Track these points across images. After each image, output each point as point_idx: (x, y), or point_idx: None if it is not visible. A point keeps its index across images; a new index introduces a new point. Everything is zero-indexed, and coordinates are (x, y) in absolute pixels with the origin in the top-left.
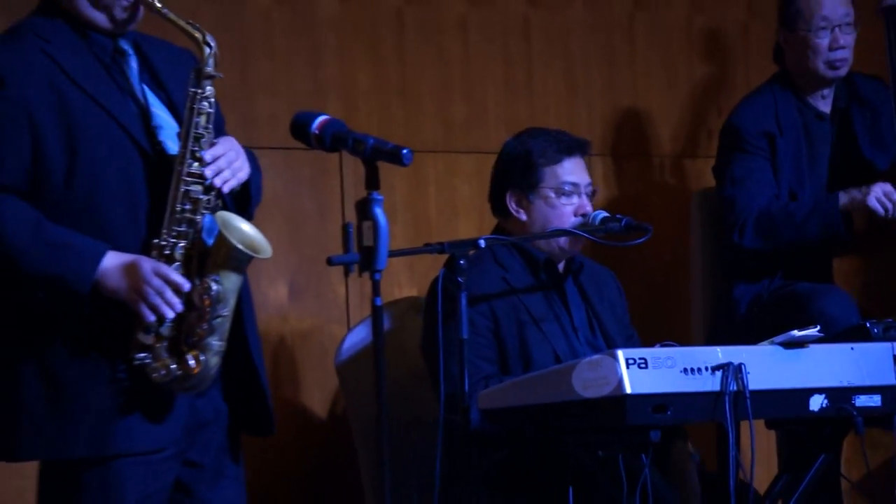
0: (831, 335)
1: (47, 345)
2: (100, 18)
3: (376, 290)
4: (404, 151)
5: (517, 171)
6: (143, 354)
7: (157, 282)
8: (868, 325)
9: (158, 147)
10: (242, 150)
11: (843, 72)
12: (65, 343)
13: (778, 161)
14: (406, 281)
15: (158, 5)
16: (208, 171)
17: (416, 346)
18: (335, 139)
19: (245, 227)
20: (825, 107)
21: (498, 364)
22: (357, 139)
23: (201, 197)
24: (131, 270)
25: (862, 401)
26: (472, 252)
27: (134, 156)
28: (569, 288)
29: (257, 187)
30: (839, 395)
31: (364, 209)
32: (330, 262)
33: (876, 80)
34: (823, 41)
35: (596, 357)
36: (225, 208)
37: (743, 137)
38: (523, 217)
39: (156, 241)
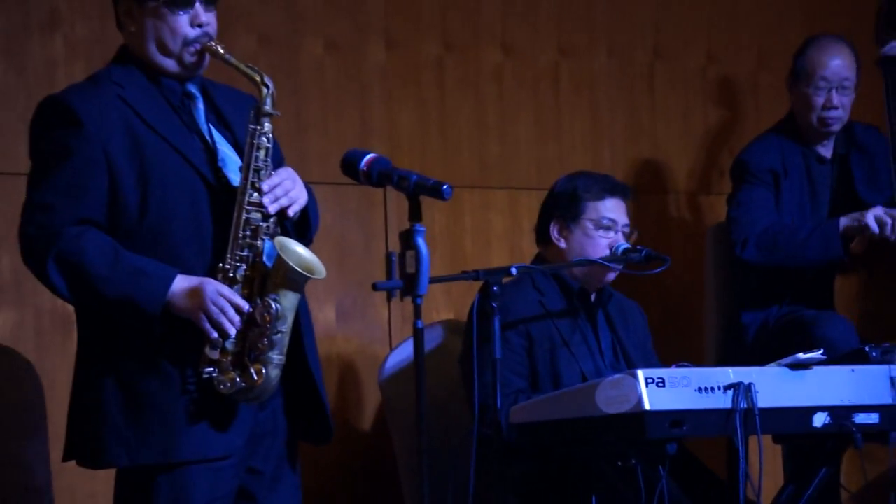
0: (833, 358)
1: (125, 361)
2: (170, 65)
3: (418, 314)
4: (444, 187)
5: (563, 202)
6: (210, 368)
7: (221, 302)
8: (867, 349)
9: (223, 180)
10: (299, 179)
11: (835, 128)
12: (141, 359)
13: (781, 199)
14: (444, 305)
15: (221, 51)
16: (266, 199)
17: (452, 364)
18: (381, 175)
19: (301, 250)
20: (826, 152)
21: (529, 380)
22: (401, 175)
23: (261, 224)
24: (197, 292)
25: (861, 418)
26: (505, 279)
27: (200, 188)
28: (598, 316)
29: (315, 215)
30: (840, 413)
31: (407, 239)
32: (375, 287)
33: (872, 128)
34: (819, 99)
35: (618, 376)
36: (285, 234)
37: (750, 170)
38: (563, 245)
39: (220, 264)
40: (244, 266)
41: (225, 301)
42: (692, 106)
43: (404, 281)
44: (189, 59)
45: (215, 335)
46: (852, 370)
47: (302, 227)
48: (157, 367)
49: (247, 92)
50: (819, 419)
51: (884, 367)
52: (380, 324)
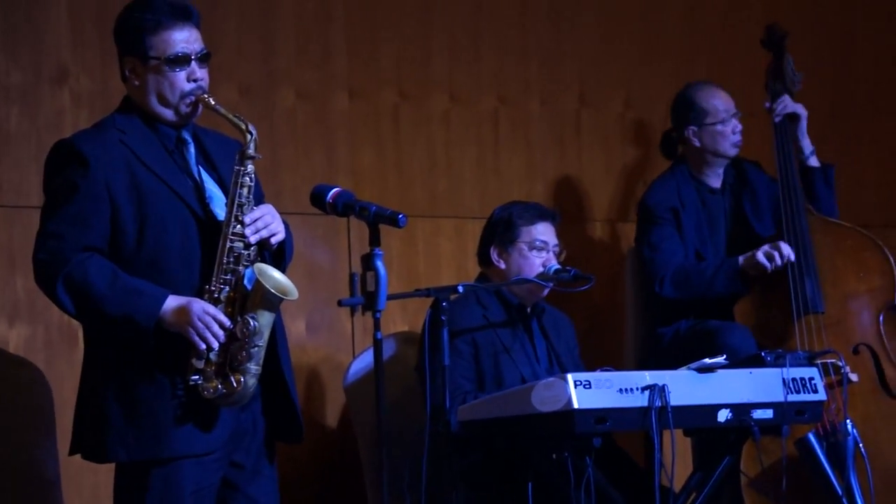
0: (734, 362)
1: (124, 371)
2: (167, 114)
3: (377, 326)
4: (400, 216)
5: (501, 229)
6: (196, 376)
7: (206, 318)
8: (763, 354)
9: (210, 215)
10: (278, 214)
11: (738, 148)
12: (137, 369)
13: (683, 229)
14: (400, 319)
15: (213, 103)
16: (248, 231)
17: (408, 370)
18: (345, 206)
19: (277, 275)
20: (716, 182)
21: (475, 382)
22: (363, 206)
23: (243, 252)
24: (186, 310)
25: (758, 414)
26: (454, 296)
27: (190, 222)
28: (534, 326)
29: (290, 246)
30: (740, 410)
31: (368, 262)
32: (340, 303)
33: (756, 165)
34: (728, 128)
35: (551, 379)
36: (264, 260)
37: (653, 212)
38: (502, 266)
39: (207, 286)
40: (227, 288)
41: (210, 318)
42: (612, 146)
43: (365, 298)
44: (184, 109)
45: (202, 347)
46: (750, 373)
47: (278, 256)
48: (150, 376)
49: (232, 137)
50: (722, 415)
51: (777, 370)
52: (344, 335)
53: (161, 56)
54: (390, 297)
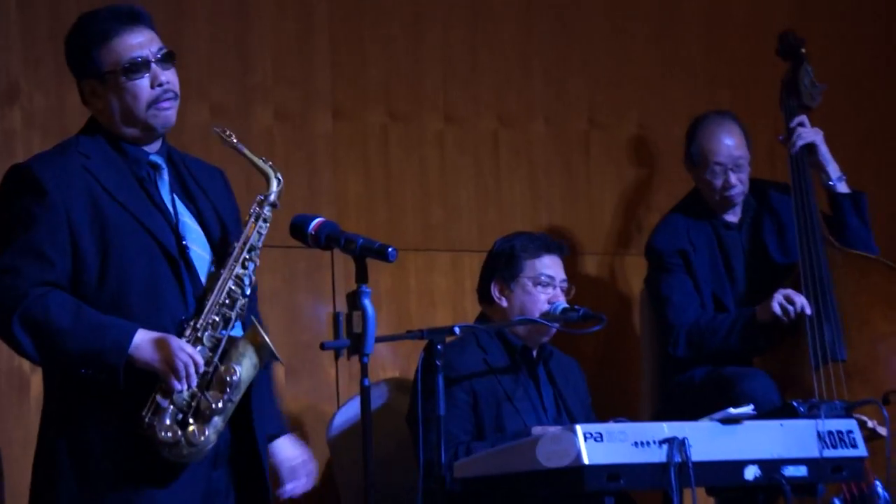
0: (763, 413)
1: (81, 422)
2: (136, 133)
3: (364, 372)
4: (390, 249)
5: (502, 263)
6: (153, 417)
7: (182, 356)
8: (795, 404)
9: (183, 250)
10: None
11: (737, 201)
12: (96, 420)
13: (695, 272)
14: (390, 364)
15: (235, 141)
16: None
17: (399, 421)
18: (329, 238)
19: (267, 336)
20: (733, 217)
21: (473, 434)
22: (348, 239)
23: (240, 299)
24: (162, 344)
25: (790, 471)
26: (449, 338)
27: (159, 258)
28: (540, 372)
29: None
30: (770, 466)
31: (354, 300)
32: (322, 347)
33: (784, 189)
34: (718, 182)
35: (558, 431)
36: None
37: (661, 258)
38: (504, 304)
39: (192, 322)
40: (210, 331)
41: (187, 355)
42: (625, 171)
43: (351, 340)
44: (153, 121)
45: (178, 385)
46: (781, 424)
47: None
48: (111, 429)
49: (213, 164)
50: (750, 472)
51: (811, 422)
52: (327, 382)
53: (116, 67)
54: (379, 340)
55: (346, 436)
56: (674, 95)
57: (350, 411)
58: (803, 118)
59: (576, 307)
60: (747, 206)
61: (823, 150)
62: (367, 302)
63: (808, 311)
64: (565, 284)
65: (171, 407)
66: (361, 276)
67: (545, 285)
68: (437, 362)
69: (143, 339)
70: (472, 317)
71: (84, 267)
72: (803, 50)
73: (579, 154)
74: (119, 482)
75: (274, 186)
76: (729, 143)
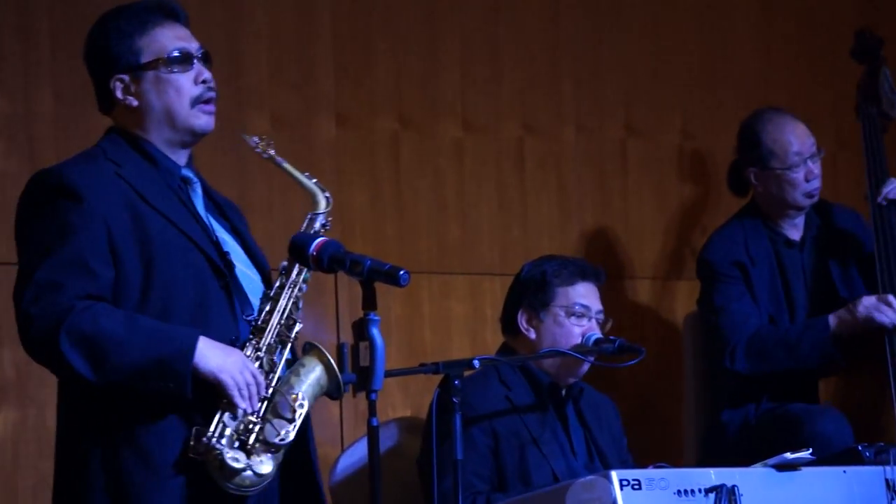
0: (823, 458)
1: (113, 447)
2: (176, 137)
3: (372, 411)
4: (402, 273)
5: (531, 289)
6: (220, 436)
7: (248, 374)
8: (860, 448)
9: (228, 263)
10: None
11: (817, 199)
12: (130, 444)
13: (754, 290)
14: (400, 401)
15: (282, 162)
16: None
17: (409, 466)
18: (333, 260)
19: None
20: (795, 234)
21: (492, 482)
22: (354, 260)
23: (297, 323)
24: (232, 353)
25: None
26: (468, 372)
27: (208, 273)
28: (569, 412)
29: None
30: None
31: (361, 329)
32: None
33: (853, 213)
34: (799, 175)
35: (590, 478)
36: None
37: (715, 269)
38: (532, 336)
39: (252, 340)
40: (268, 355)
41: (251, 375)
42: (667, 185)
43: (357, 375)
44: (198, 122)
45: (244, 405)
46: (844, 471)
47: None
48: (146, 454)
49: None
50: None
51: (878, 469)
52: (331, 422)
53: (158, 58)
54: (388, 374)
55: (351, 482)
56: (722, 97)
57: (356, 454)
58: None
59: (611, 338)
60: (810, 223)
61: None
62: (375, 331)
63: None
64: (601, 316)
65: (233, 431)
66: (369, 303)
67: (580, 316)
68: (454, 399)
69: (207, 346)
70: (492, 348)
71: (126, 280)
72: (882, 52)
73: (615, 165)
74: None
75: (322, 206)
76: (801, 130)
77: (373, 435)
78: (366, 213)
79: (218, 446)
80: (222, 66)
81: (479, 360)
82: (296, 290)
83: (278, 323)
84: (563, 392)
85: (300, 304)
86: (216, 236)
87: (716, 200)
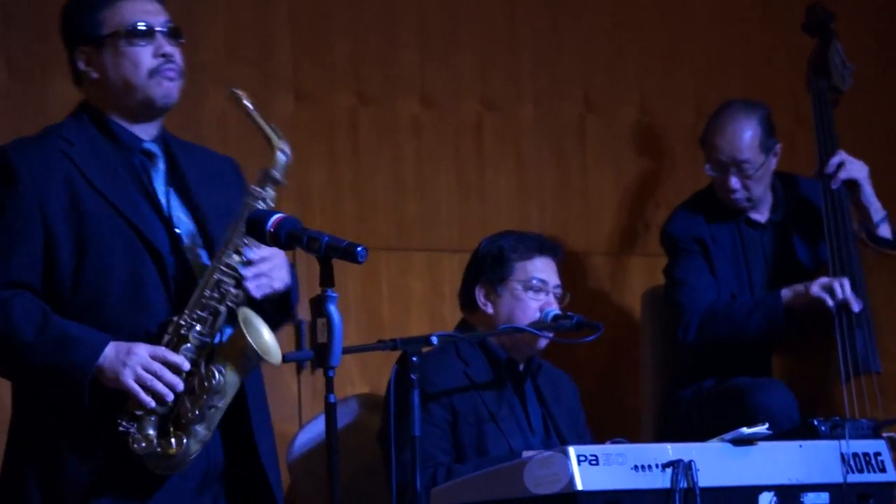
0: (779, 433)
1: (50, 442)
2: (136, 107)
3: (330, 387)
4: (359, 249)
5: (489, 264)
6: (129, 424)
7: (155, 366)
8: (816, 423)
9: (177, 247)
10: (286, 261)
11: (740, 206)
12: (67, 438)
13: (714, 268)
14: (358, 378)
15: (248, 104)
16: (248, 272)
17: (368, 443)
18: (290, 237)
19: (264, 330)
20: (760, 216)
21: (452, 455)
22: (312, 237)
23: (230, 290)
24: (128, 359)
25: (810, 499)
26: (426, 349)
27: (145, 257)
28: (527, 388)
29: (296, 299)
30: (788, 493)
31: (319, 306)
32: (283, 359)
33: (813, 183)
34: (718, 181)
35: (548, 454)
36: (258, 307)
37: (676, 243)
38: (490, 310)
39: (175, 318)
40: (198, 327)
41: (160, 364)
42: (625, 161)
43: (315, 351)
44: (155, 93)
45: (152, 405)
46: (800, 446)
47: (282, 307)
48: (83, 449)
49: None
50: (765, 500)
51: (833, 443)
52: (288, 399)
53: (118, 30)
54: (346, 351)
55: (309, 458)
56: (680, 74)
57: (314, 431)
58: (843, 152)
59: (569, 314)
60: (777, 205)
61: (868, 191)
62: (332, 308)
63: (854, 307)
64: (559, 290)
65: (145, 414)
66: (326, 280)
67: (537, 290)
68: (413, 376)
69: (111, 355)
70: (451, 324)
71: (58, 264)
72: (833, 25)
73: (573, 142)
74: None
75: (279, 159)
76: (734, 141)
77: (330, 411)
78: (324, 190)
79: (128, 430)
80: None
81: (437, 336)
82: (228, 256)
83: (202, 296)
84: (521, 368)
85: (243, 270)
86: (171, 214)
87: (673, 177)
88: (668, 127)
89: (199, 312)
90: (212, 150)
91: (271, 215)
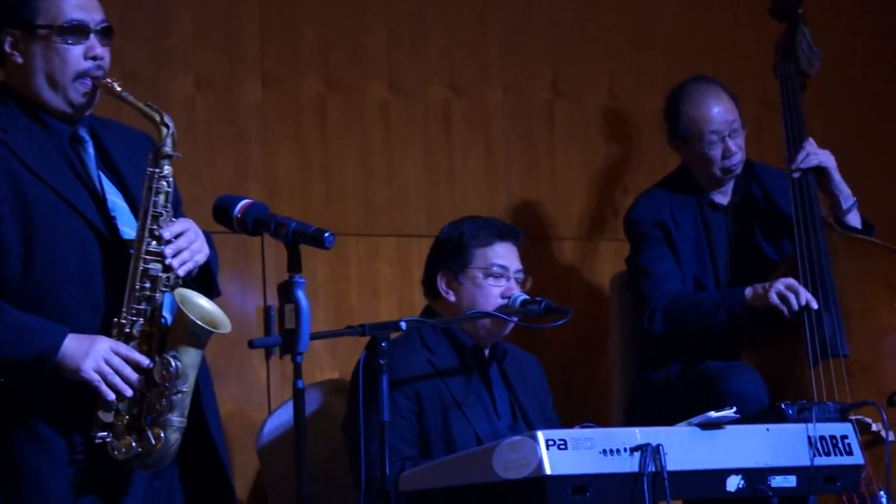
0: (747, 416)
1: (7, 432)
2: (57, 102)
3: (298, 373)
4: (326, 234)
5: (449, 252)
6: (104, 433)
7: (116, 361)
8: (783, 406)
9: (115, 232)
10: (201, 231)
11: (738, 171)
12: (24, 428)
13: (677, 251)
14: (328, 364)
15: (118, 89)
16: (168, 250)
17: (336, 428)
18: (257, 223)
19: (204, 302)
20: (722, 198)
21: (418, 446)
22: (279, 223)
23: (160, 275)
24: (90, 351)
25: (777, 481)
26: (394, 334)
27: (91, 241)
28: (493, 373)
29: (216, 267)
30: (755, 476)
31: (286, 292)
32: (251, 344)
33: (777, 171)
34: (716, 152)
35: (516, 438)
36: (186, 286)
37: (639, 230)
38: (452, 298)
39: (115, 319)
40: (141, 321)
41: (120, 360)
42: (593, 146)
43: (283, 337)
44: (77, 97)
45: (112, 397)
46: (767, 429)
47: (206, 280)
48: (41, 437)
49: (141, 129)
50: (733, 483)
51: (801, 426)
52: (257, 384)
53: (52, 24)
54: (314, 337)
55: (278, 444)
56: (648, 59)
57: (282, 417)
58: (811, 140)
59: (538, 299)
60: (738, 187)
61: (836, 178)
62: (300, 294)
63: (813, 305)
64: (521, 275)
65: (116, 420)
66: (294, 265)
67: (497, 277)
68: (381, 361)
69: (71, 347)
70: (420, 310)
71: (5, 255)
72: (800, 10)
73: (542, 126)
74: (49, 501)
75: (163, 133)
76: (720, 108)
77: (298, 397)
78: (292, 176)
79: (105, 441)
80: (146, 27)
81: (405, 321)
82: (147, 243)
83: (134, 288)
84: (487, 353)
85: (169, 253)
86: (106, 198)
87: (641, 161)
88: (637, 111)
89: (136, 307)
90: (127, 125)
91: (238, 201)
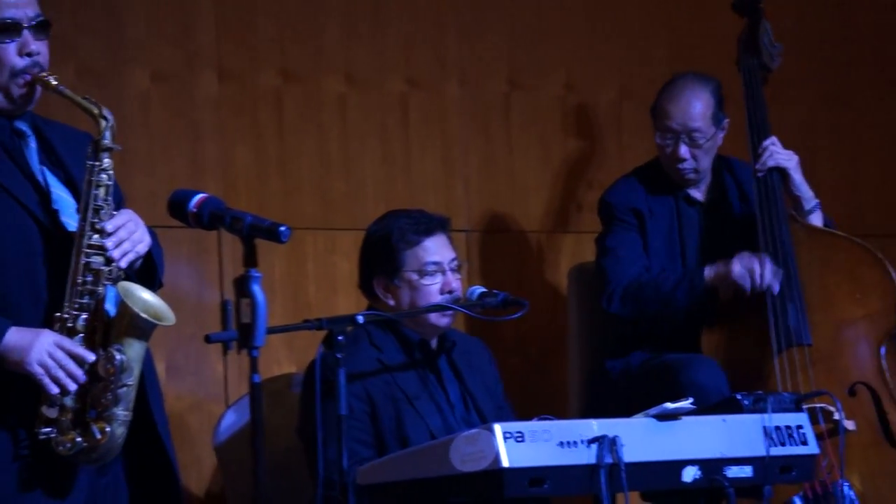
0: (703, 407)
1: None
2: None
3: (254, 368)
4: (282, 228)
5: (380, 257)
6: (48, 429)
7: (59, 354)
8: (739, 397)
9: (59, 225)
10: (141, 221)
11: (690, 178)
12: None
13: (648, 241)
14: (285, 358)
15: (54, 83)
16: (109, 242)
17: (295, 422)
18: (213, 217)
19: (147, 295)
20: (698, 194)
21: (374, 447)
22: (235, 217)
23: (102, 268)
24: (34, 344)
25: (734, 472)
26: (350, 329)
27: (35, 234)
28: (442, 365)
29: (160, 259)
30: (712, 467)
31: (242, 286)
32: (208, 339)
33: (748, 166)
34: (667, 149)
35: (473, 431)
36: (128, 279)
37: (612, 212)
38: (391, 302)
39: (58, 314)
40: (85, 314)
41: (64, 353)
42: (550, 138)
43: (240, 332)
44: (17, 91)
45: (55, 390)
46: (724, 420)
47: (148, 271)
48: None
49: (84, 130)
50: (689, 474)
51: (757, 417)
52: (214, 379)
53: None
54: (271, 331)
55: (236, 439)
56: (604, 51)
57: (240, 411)
58: (775, 139)
59: (494, 292)
60: (714, 185)
61: (798, 178)
62: (256, 288)
63: (774, 288)
64: (455, 263)
65: (61, 415)
66: (250, 259)
67: (433, 274)
68: (339, 355)
69: (13, 341)
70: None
71: None
72: (762, 5)
73: (499, 119)
74: None
75: (102, 126)
76: (687, 108)
77: (255, 392)
78: (249, 170)
79: (49, 437)
80: (100, 21)
81: (362, 315)
82: (88, 237)
83: (76, 282)
84: (434, 345)
85: (110, 245)
86: (50, 191)
87: (599, 153)
88: (593, 105)
89: (78, 301)
90: (72, 126)
91: (194, 196)
